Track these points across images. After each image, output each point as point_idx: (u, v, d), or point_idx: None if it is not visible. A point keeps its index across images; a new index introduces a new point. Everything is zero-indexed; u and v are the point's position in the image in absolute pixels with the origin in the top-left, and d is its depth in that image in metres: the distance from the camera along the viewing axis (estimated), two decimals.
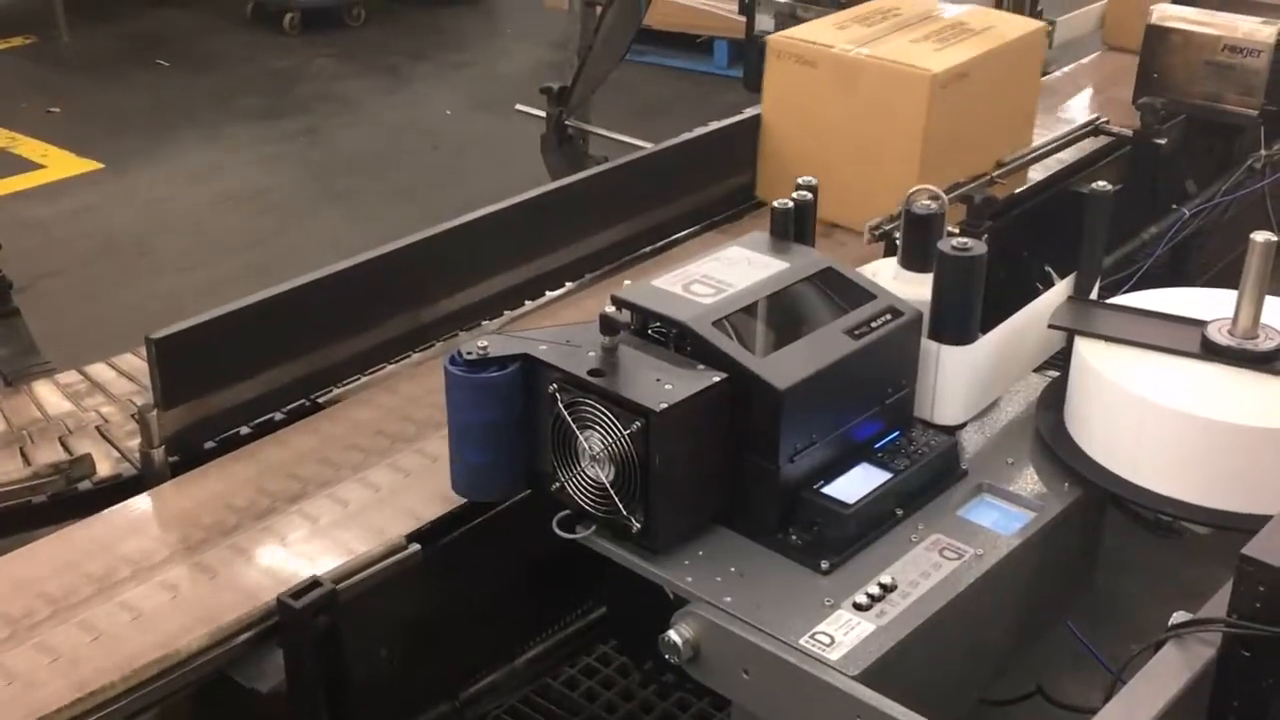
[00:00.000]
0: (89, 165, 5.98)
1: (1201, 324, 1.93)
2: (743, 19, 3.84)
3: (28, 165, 6.01)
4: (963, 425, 2.01)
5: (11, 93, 6.81)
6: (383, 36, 7.84)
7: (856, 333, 1.85)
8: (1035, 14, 3.74)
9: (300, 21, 7.76)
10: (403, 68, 7.36)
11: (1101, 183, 2.12)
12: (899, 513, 1.83)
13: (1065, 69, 3.91)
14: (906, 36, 2.90)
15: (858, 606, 1.67)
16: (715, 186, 3.07)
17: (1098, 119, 3.28)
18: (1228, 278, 2.04)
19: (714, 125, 3.10)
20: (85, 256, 5.03)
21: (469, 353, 1.81)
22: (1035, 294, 2.16)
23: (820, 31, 2.94)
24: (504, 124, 3.89)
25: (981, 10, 3.13)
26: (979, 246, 1.92)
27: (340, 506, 1.98)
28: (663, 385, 1.71)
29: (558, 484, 1.80)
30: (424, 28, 8.03)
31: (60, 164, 6.02)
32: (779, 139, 3.00)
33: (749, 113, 3.09)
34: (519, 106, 3.83)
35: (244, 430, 2.18)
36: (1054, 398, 2.06)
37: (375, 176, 5.80)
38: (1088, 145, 3.25)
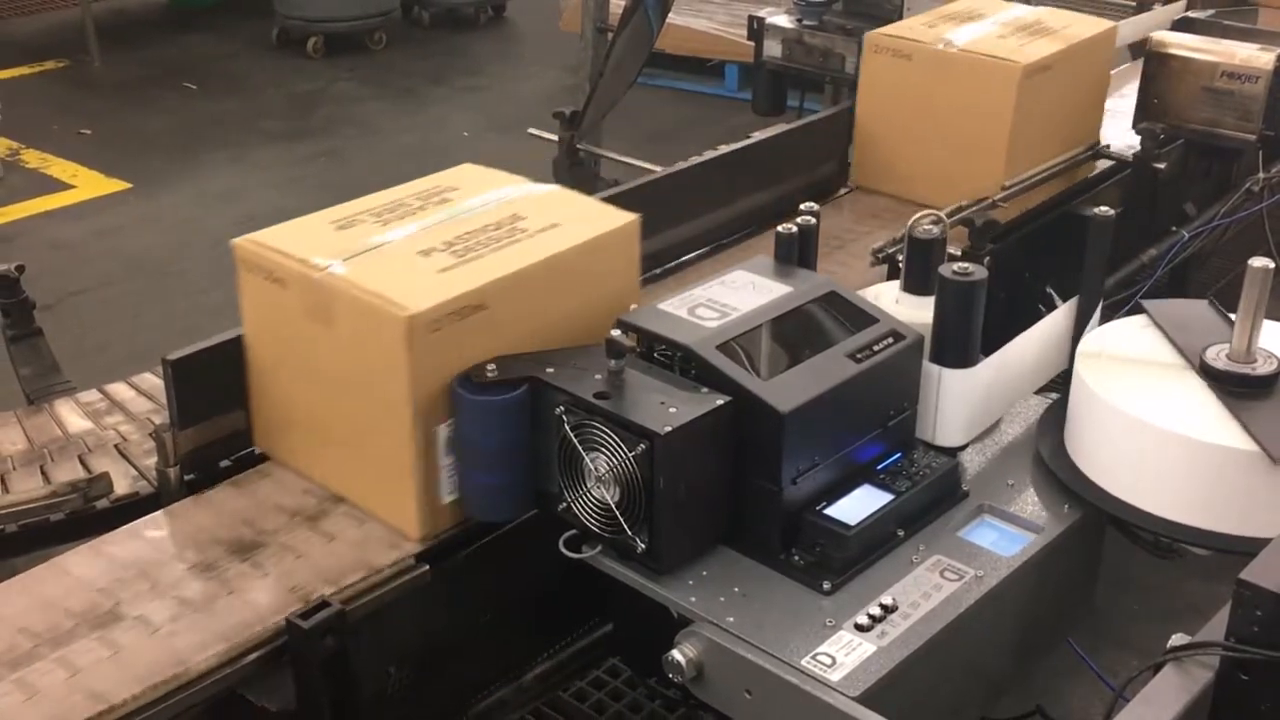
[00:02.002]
0: (117, 186, 6.00)
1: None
2: (751, 44, 3.82)
3: (58, 185, 6.03)
4: (964, 447, 1.99)
5: (44, 115, 6.84)
6: (403, 60, 7.86)
7: (859, 356, 1.83)
8: None
9: (323, 46, 7.79)
10: (422, 90, 7.37)
11: (1103, 208, 2.10)
12: (900, 534, 1.81)
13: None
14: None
15: (859, 627, 1.65)
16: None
17: (1098, 142, 3.25)
18: (1226, 299, 2.01)
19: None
20: (110, 276, 5.03)
21: (478, 376, 1.80)
22: (1037, 316, 2.14)
23: (307, 233, 2.09)
24: (519, 146, 3.88)
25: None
26: (980, 271, 1.90)
27: (356, 524, 1.96)
28: (667, 408, 1.69)
29: (564, 504, 1.79)
30: (443, 52, 8.05)
31: (90, 184, 6.04)
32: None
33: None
34: (532, 130, 3.81)
35: (257, 450, 2.16)
36: (1054, 420, 2.04)
37: None
38: (1089, 169, 3.23)
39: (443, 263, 1.90)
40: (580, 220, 2.05)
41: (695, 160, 3.04)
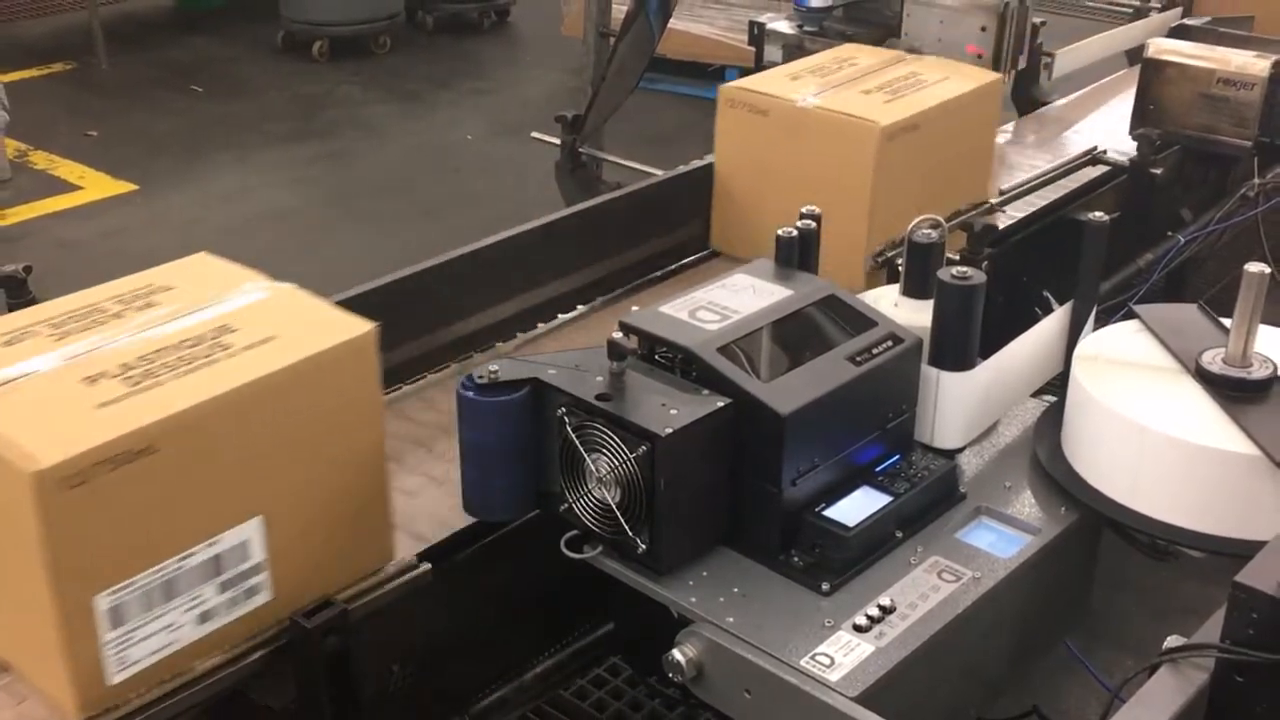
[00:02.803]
0: (124, 187, 6.01)
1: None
2: (752, 49, 3.82)
3: (66, 186, 6.03)
4: (962, 449, 1.98)
5: (52, 117, 6.84)
6: (407, 64, 7.86)
7: (858, 359, 1.83)
8: (1035, 47, 3.70)
9: (329, 49, 7.80)
10: (426, 94, 7.37)
11: (1098, 213, 2.09)
12: (899, 535, 1.80)
13: (1064, 99, 3.89)
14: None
15: (857, 628, 1.65)
16: None
17: (1095, 148, 3.25)
18: (1221, 303, 2.01)
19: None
20: (117, 276, 5.01)
21: (480, 376, 1.79)
22: (1034, 319, 2.14)
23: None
24: (522, 148, 3.88)
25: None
26: (978, 275, 1.89)
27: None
28: (668, 410, 1.69)
29: (566, 505, 1.78)
30: (447, 55, 8.05)
31: (97, 185, 6.04)
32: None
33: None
34: (534, 134, 3.81)
35: None
36: (1051, 423, 2.03)
37: (398, 198, 5.81)
38: (1086, 174, 3.22)
39: (110, 393, 1.52)
40: (302, 332, 1.67)
41: (696, 164, 3.03)
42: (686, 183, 2.94)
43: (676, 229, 2.90)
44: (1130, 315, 2.14)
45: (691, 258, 2.90)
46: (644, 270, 2.80)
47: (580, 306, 2.72)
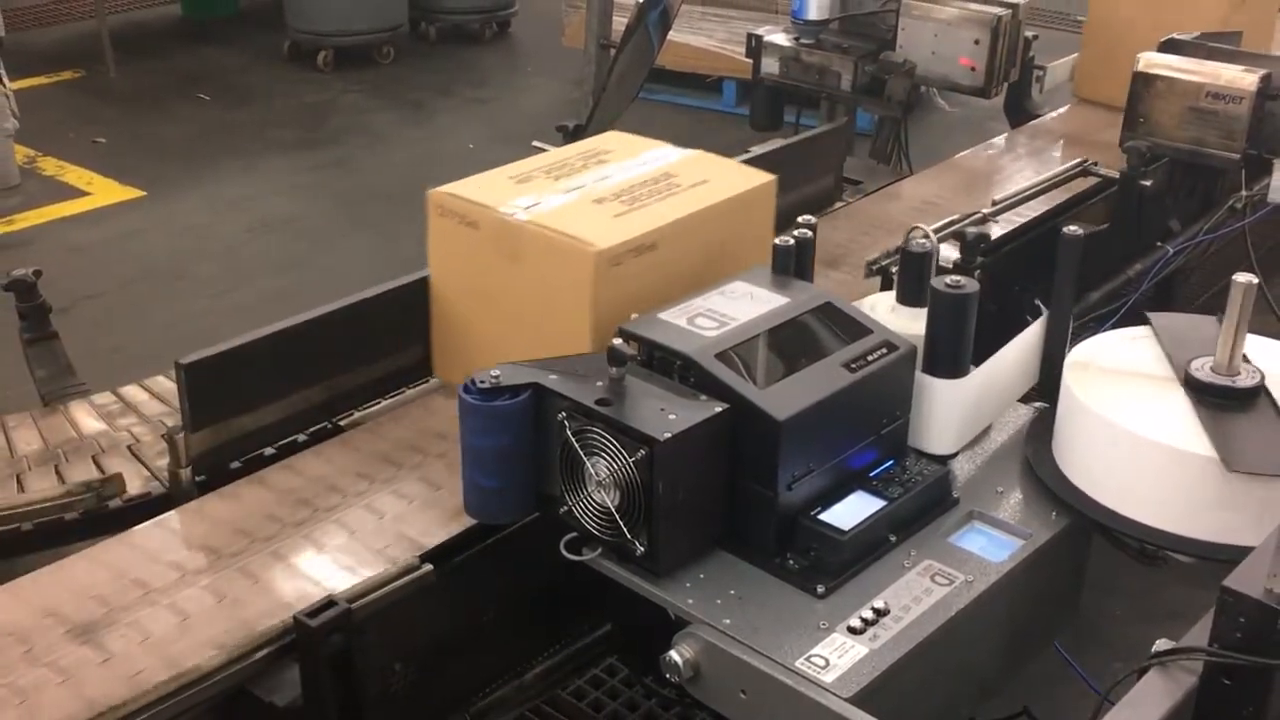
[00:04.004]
0: (132, 193, 6.00)
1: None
2: (749, 61, 3.83)
3: (74, 192, 6.03)
4: (954, 455, 1.98)
5: (61, 123, 6.83)
6: (410, 73, 7.86)
7: (853, 366, 1.83)
8: (1027, 60, 3.71)
9: (333, 59, 7.79)
10: (428, 102, 7.37)
11: (1073, 227, 2.09)
12: (892, 539, 1.80)
13: (1053, 114, 3.89)
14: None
15: (852, 630, 1.65)
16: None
17: (1086, 161, 3.25)
18: (1209, 312, 2.01)
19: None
20: (124, 280, 5.02)
21: (482, 381, 1.79)
22: (1025, 326, 2.14)
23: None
24: (523, 157, 3.89)
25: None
26: (971, 284, 1.90)
27: (376, 517, 1.97)
28: (666, 415, 1.69)
29: (565, 508, 1.78)
30: (449, 65, 8.05)
31: (105, 191, 6.03)
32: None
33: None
34: (535, 143, 3.81)
35: (268, 451, 2.16)
36: (1042, 428, 2.04)
37: (401, 205, 5.79)
38: (1076, 185, 3.23)
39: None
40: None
41: None
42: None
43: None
44: (1121, 324, 2.14)
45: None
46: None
47: None
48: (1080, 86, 3.83)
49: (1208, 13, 3.35)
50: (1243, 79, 3.07)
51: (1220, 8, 3.37)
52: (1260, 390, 1.86)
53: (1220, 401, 1.84)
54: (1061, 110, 3.89)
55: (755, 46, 3.78)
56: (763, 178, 2.31)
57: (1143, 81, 3.17)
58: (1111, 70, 3.50)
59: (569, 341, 2.00)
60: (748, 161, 3.11)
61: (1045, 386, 2.10)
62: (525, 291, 2.13)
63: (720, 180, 2.28)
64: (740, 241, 2.22)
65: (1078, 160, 3.27)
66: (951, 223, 2.79)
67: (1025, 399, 2.14)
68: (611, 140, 2.46)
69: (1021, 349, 2.08)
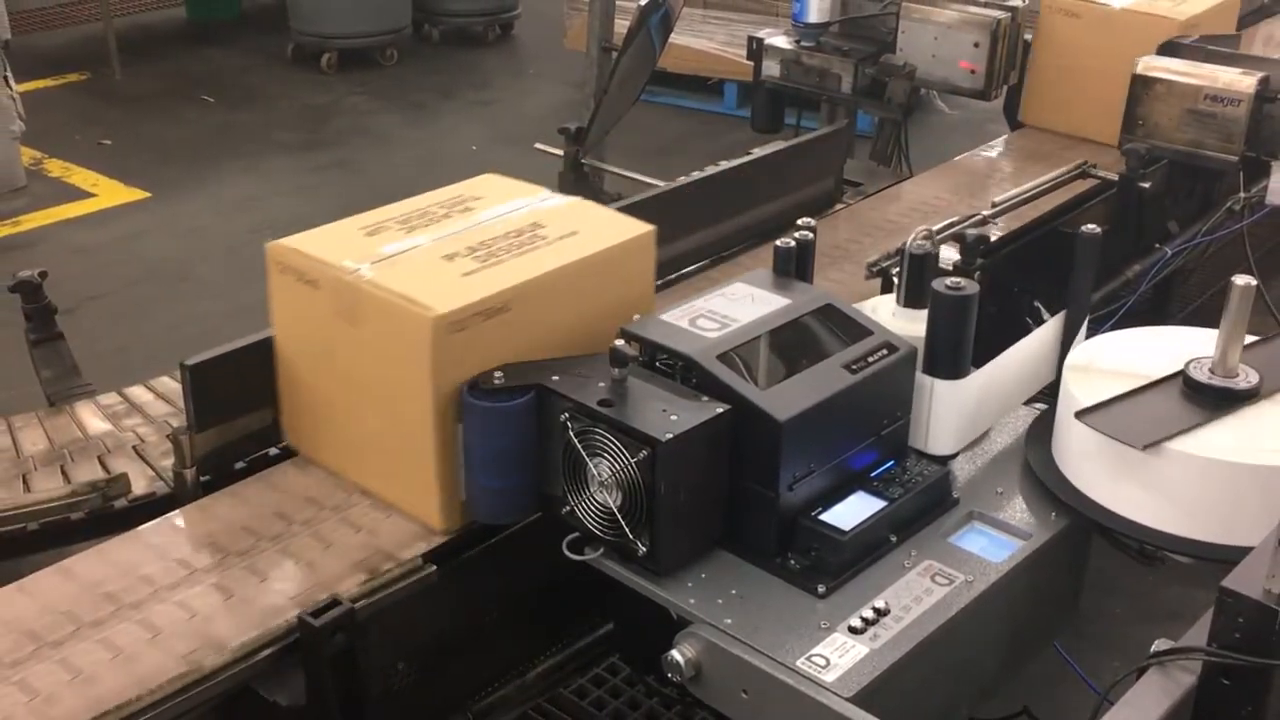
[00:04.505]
0: (136, 194, 6.00)
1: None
2: (750, 63, 3.83)
3: (79, 194, 6.03)
4: (954, 456, 1.98)
5: (67, 125, 6.84)
6: (413, 75, 7.86)
7: (854, 367, 1.83)
8: (1026, 63, 3.70)
9: (337, 61, 7.79)
10: (431, 105, 7.37)
11: (1091, 226, 2.09)
12: (893, 539, 1.80)
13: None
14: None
15: (852, 630, 1.65)
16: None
17: (1085, 163, 3.25)
18: (1207, 313, 2.01)
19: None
20: (129, 281, 5.02)
21: (485, 383, 1.79)
22: (1026, 329, 2.14)
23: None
24: (525, 159, 3.87)
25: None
26: (971, 286, 1.90)
27: (382, 515, 1.96)
28: (668, 416, 1.69)
29: (568, 508, 1.78)
30: (452, 67, 8.04)
31: (110, 193, 6.03)
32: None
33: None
34: (538, 145, 3.81)
35: (272, 451, 2.16)
36: (1042, 430, 2.03)
37: None
38: (1076, 187, 3.23)
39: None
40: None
41: (696, 176, 3.04)
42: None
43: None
44: (1120, 325, 2.14)
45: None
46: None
47: None
48: (1026, 113, 3.71)
49: (1153, 47, 3.27)
50: (1241, 81, 3.07)
51: (1170, 34, 3.31)
52: (1258, 391, 1.86)
53: (1219, 403, 1.84)
54: (1004, 137, 3.79)
55: (756, 49, 3.78)
56: (639, 229, 2.06)
57: (1142, 84, 3.17)
58: (1058, 96, 3.53)
59: (411, 412, 1.84)
60: (746, 164, 3.12)
61: (1054, 388, 2.10)
62: (366, 357, 1.91)
63: (592, 232, 2.05)
64: (614, 299, 1.99)
65: (1077, 162, 3.27)
66: (951, 225, 2.79)
67: (1034, 399, 2.14)
68: (484, 185, 2.23)
69: (1029, 350, 2.08)
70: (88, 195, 6.01)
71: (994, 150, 3.65)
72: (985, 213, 2.93)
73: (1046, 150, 3.50)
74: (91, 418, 2.51)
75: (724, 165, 3.10)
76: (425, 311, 1.80)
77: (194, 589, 1.80)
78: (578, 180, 3.56)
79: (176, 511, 2.00)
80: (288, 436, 2.12)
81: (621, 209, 2.89)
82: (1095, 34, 3.45)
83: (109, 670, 1.63)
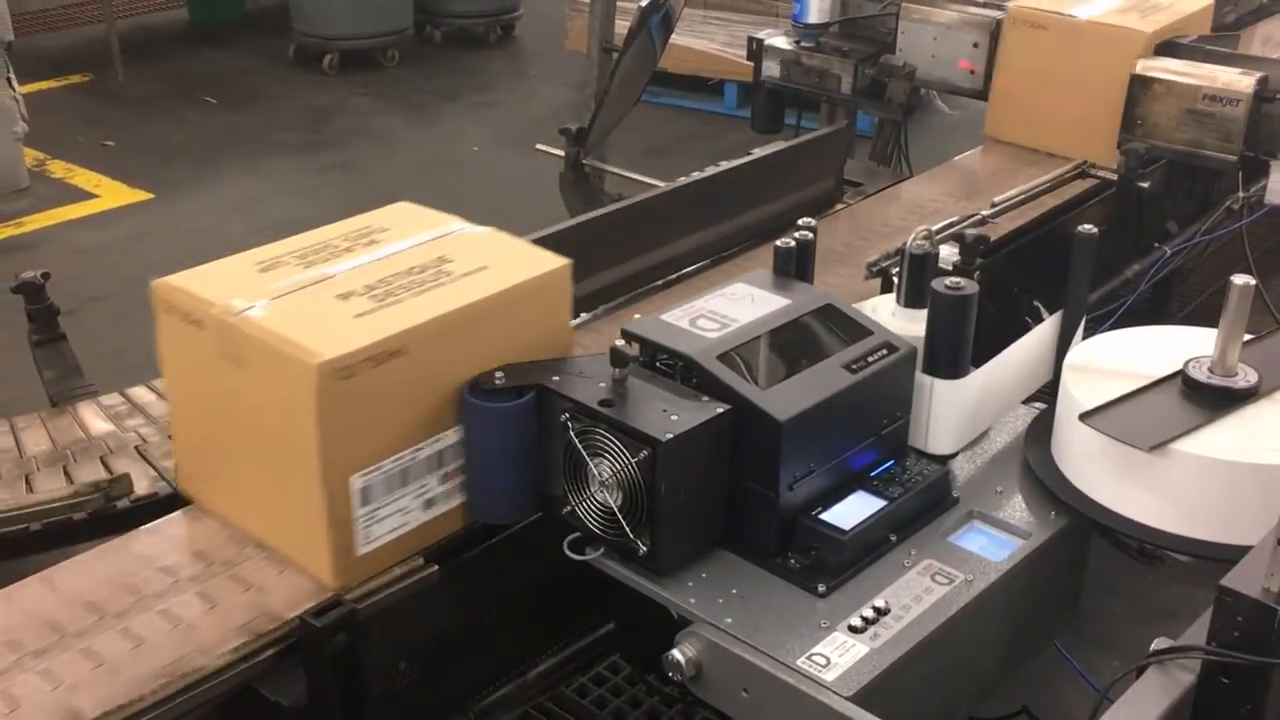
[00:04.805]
0: (139, 195, 6.00)
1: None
2: (750, 64, 3.82)
3: (82, 195, 6.03)
4: (954, 455, 1.98)
5: (69, 126, 6.84)
6: (415, 77, 7.86)
7: (854, 367, 1.82)
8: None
9: (338, 62, 7.80)
10: (433, 106, 7.37)
11: (1088, 226, 2.09)
12: (893, 538, 1.80)
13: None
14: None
15: (852, 629, 1.65)
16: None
17: (1084, 163, 3.25)
18: (1206, 312, 2.01)
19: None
20: (131, 282, 5.00)
21: (486, 383, 1.79)
22: (1025, 328, 2.14)
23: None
24: (527, 160, 3.88)
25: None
26: (970, 286, 1.89)
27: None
28: (669, 416, 1.69)
29: (569, 508, 1.78)
30: (454, 69, 8.05)
31: (112, 194, 6.03)
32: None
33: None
34: (539, 146, 3.81)
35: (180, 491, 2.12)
36: (1041, 429, 2.03)
37: None
38: (1075, 186, 3.22)
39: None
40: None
41: (696, 176, 3.04)
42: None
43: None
44: (1119, 324, 2.14)
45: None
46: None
47: (584, 314, 2.72)
48: (990, 126, 3.56)
49: (1120, 60, 3.20)
50: (1240, 81, 3.07)
51: (1133, 53, 3.20)
52: (1257, 391, 1.86)
53: (1219, 402, 1.84)
54: (975, 150, 3.64)
55: (756, 50, 3.77)
56: (553, 263, 1.93)
57: (1140, 84, 3.17)
58: (1023, 111, 3.42)
59: (300, 463, 1.70)
60: (747, 164, 3.12)
61: (1053, 387, 2.10)
62: (253, 403, 1.77)
63: (502, 266, 1.90)
64: (524, 339, 1.87)
65: (1077, 162, 3.27)
66: (951, 224, 2.79)
67: (1033, 398, 2.14)
68: (394, 215, 2.09)
69: (1027, 349, 2.08)
70: (90, 196, 6.01)
71: (954, 167, 3.49)
72: (985, 213, 2.93)
73: (1011, 168, 3.36)
74: (94, 418, 2.50)
75: (724, 165, 3.10)
76: (309, 357, 1.65)
77: (194, 589, 1.79)
78: (579, 181, 3.56)
79: (179, 511, 1.99)
80: (179, 485, 2.00)
81: (622, 209, 2.91)
82: (1061, 47, 3.30)
83: (114, 669, 1.63)
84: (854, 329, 1.90)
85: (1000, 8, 3.46)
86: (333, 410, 1.67)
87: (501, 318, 1.85)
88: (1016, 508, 1.90)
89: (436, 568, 1.82)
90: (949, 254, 2.52)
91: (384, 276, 1.85)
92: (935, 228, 2.53)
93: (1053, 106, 3.35)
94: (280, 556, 1.83)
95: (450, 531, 1.87)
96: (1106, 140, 3.25)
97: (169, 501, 2.07)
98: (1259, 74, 3.06)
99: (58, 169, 6.31)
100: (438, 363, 1.77)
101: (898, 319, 2.02)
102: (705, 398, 1.73)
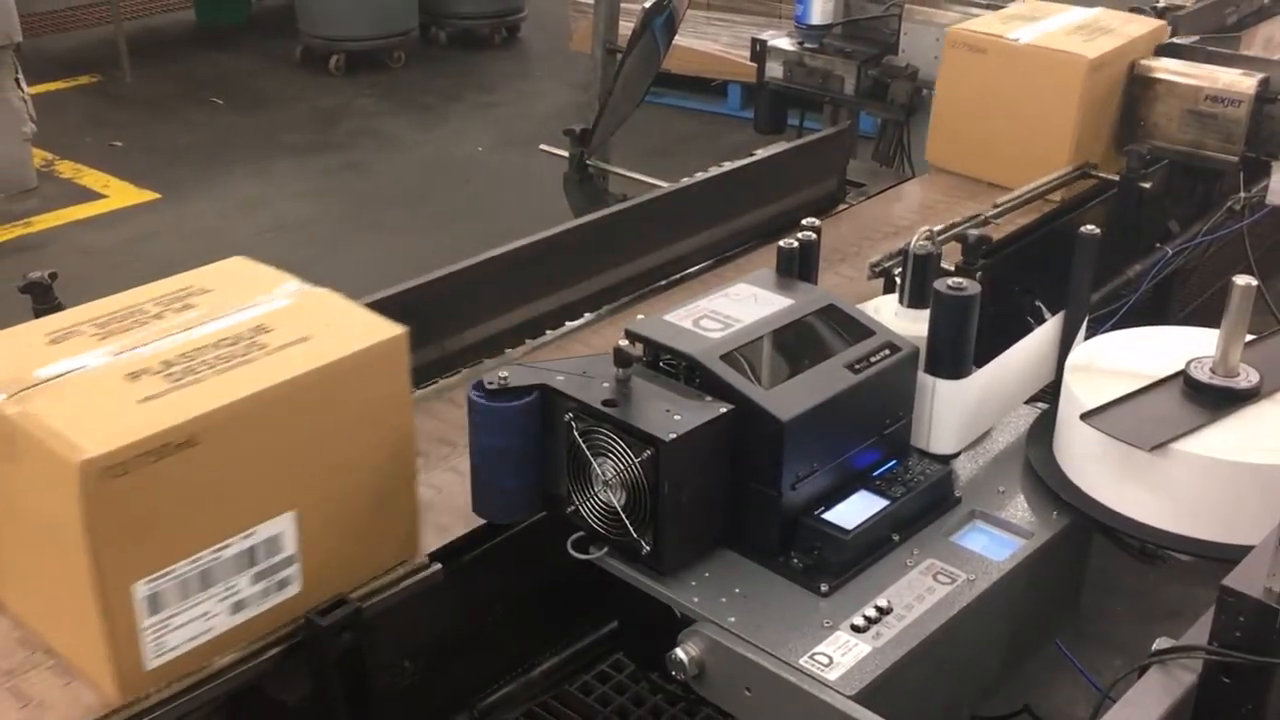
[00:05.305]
0: (147, 196, 6.01)
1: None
2: (754, 65, 3.82)
3: (91, 195, 6.04)
4: (956, 455, 1.97)
5: (78, 127, 6.85)
6: (421, 78, 7.86)
7: (856, 367, 1.82)
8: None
9: (344, 63, 7.80)
10: (438, 107, 7.37)
11: (1090, 226, 2.08)
12: (895, 538, 1.79)
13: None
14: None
15: (855, 628, 1.64)
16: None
17: (1086, 164, 3.24)
18: (1207, 312, 2.00)
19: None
20: (139, 282, 4.98)
21: (490, 383, 1.79)
22: (1027, 328, 2.13)
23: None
24: (531, 160, 3.88)
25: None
26: (973, 287, 1.89)
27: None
28: (672, 416, 1.68)
29: (572, 507, 1.78)
30: (459, 70, 8.05)
31: (120, 194, 6.04)
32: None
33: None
34: (543, 147, 3.80)
35: None
36: (1043, 429, 2.03)
37: (411, 208, 5.80)
38: (1077, 187, 3.21)
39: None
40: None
41: (700, 176, 3.04)
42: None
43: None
44: (1121, 325, 2.13)
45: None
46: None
47: (588, 314, 2.72)
48: (931, 153, 3.40)
49: (1062, 87, 3.04)
50: (1241, 82, 3.06)
51: (1076, 79, 3.04)
52: (1259, 391, 1.85)
53: (1220, 403, 1.83)
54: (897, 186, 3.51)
55: (759, 51, 3.77)
56: (387, 332, 1.68)
57: (1142, 85, 3.16)
58: (963, 138, 3.26)
59: (74, 568, 1.46)
60: (750, 165, 3.12)
61: (1059, 386, 2.10)
62: (27, 499, 1.53)
63: (327, 337, 1.65)
64: (349, 419, 1.64)
65: (1078, 163, 3.26)
66: (953, 225, 2.78)
67: (1035, 399, 2.13)
68: (223, 274, 1.85)
69: (1029, 350, 2.07)
70: (98, 196, 6.02)
71: (885, 202, 3.32)
72: (987, 213, 2.92)
73: (948, 202, 3.19)
74: None
75: (727, 166, 3.10)
76: (72, 453, 1.41)
77: None
78: (583, 181, 3.56)
79: None
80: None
81: (626, 209, 2.90)
82: (1001, 71, 3.12)
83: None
84: (856, 329, 1.90)
85: (1002, 9, 3.45)
86: (104, 512, 1.43)
87: (320, 397, 1.60)
88: (1018, 507, 1.90)
89: (440, 567, 1.82)
90: (950, 254, 2.51)
91: (188, 351, 1.60)
92: (938, 228, 2.51)
93: (994, 134, 3.19)
94: (68, 665, 1.60)
95: (278, 626, 1.64)
96: (1047, 171, 3.05)
97: None
98: (1260, 75, 3.06)
99: (66, 169, 6.31)
100: (242, 451, 1.53)
101: (900, 319, 2.01)
102: (708, 398, 1.73)
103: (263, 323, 1.67)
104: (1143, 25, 3.30)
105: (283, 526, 1.61)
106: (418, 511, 1.80)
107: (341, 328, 1.69)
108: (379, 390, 1.68)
